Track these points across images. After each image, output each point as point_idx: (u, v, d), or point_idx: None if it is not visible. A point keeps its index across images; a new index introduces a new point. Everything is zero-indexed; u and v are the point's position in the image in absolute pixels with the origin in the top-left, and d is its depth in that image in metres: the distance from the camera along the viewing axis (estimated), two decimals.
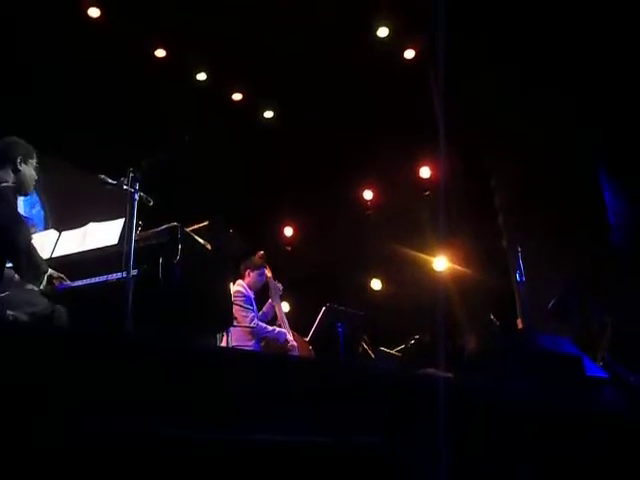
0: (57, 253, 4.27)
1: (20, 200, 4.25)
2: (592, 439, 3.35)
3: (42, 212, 6.99)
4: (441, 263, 8.15)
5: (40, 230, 5.06)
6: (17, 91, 6.56)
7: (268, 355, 5.15)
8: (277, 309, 6.23)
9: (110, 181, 4.04)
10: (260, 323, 5.87)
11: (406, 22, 7.71)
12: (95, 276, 4.00)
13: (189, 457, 1.96)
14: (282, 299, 6.57)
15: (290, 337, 5.97)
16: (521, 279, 6.05)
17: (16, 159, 3.70)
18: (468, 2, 7.08)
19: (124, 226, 4.05)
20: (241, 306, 5.77)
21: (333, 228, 9.05)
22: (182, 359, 2.18)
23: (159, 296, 3.85)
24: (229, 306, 4.77)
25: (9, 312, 3.30)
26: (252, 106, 8.69)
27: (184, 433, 1.96)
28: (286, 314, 6.43)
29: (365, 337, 6.64)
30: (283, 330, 5.94)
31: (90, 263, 4.08)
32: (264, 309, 6.23)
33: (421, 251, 8.31)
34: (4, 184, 3.55)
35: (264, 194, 8.73)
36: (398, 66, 8.06)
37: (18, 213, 3.69)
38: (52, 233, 4.47)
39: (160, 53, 7.73)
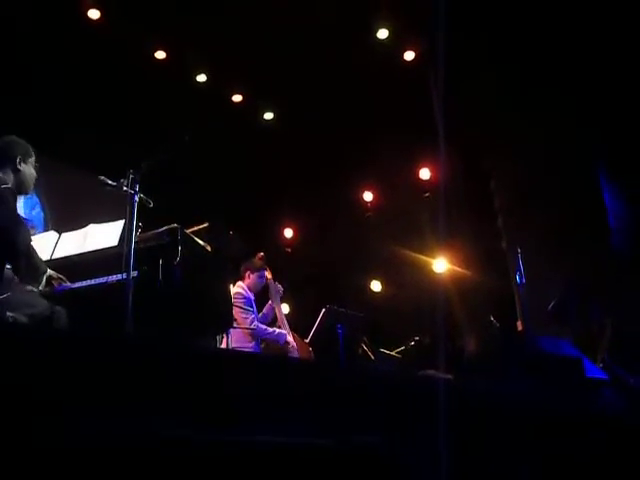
0: (57, 254, 4.26)
1: (20, 202, 4.25)
2: (592, 441, 3.35)
3: (42, 214, 6.99)
4: (441, 265, 8.15)
5: (40, 231, 5.06)
6: (17, 92, 6.56)
7: (268, 357, 5.15)
8: (277, 311, 6.22)
9: (110, 182, 4.04)
10: (260, 325, 5.87)
11: (406, 23, 7.72)
12: (95, 277, 3.99)
13: (189, 458, 1.96)
14: (282, 301, 6.57)
15: (290, 338, 5.97)
16: (521, 281, 6.05)
17: (16, 159, 3.70)
18: (468, 2, 7.09)
19: (124, 227, 4.05)
20: (241, 308, 5.77)
21: (333, 229, 9.05)
22: (182, 360, 2.18)
23: (159, 298, 3.85)
24: (229, 308, 4.77)
25: (9, 314, 3.30)
26: (252, 107, 8.70)
27: (184, 434, 1.96)
28: (286, 315, 6.43)
29: (365, 339, 6.64)
30: (283, 331, 5.94)
31: (90, 264, 4.08)
32: (264, 311, 6.22)
33: (421, 253, 8.31)
34: (4, 186, 3.54)
35: (264, 196, 8.73)
36: (398, 67, 8.06)
37: (18, 215, 3.69)
38: (52, 234, 4.46)
39: (160, 55, 7.74)
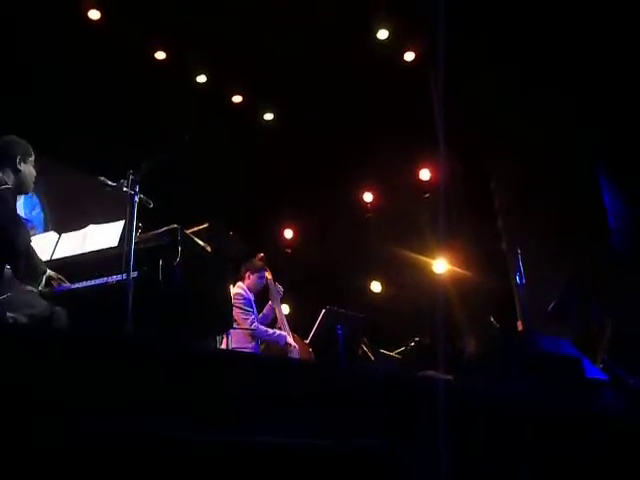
0: (57, 255, 4.26)
1: (20, 202, 4.25)
2: (592, 441, 3.35)
3: (42, 214, 6.99)
4: (441, 265, 8.15)
5: (40, 232, 5.07)
6: (18, 92, 6.56)
7: (268, 357, 5.15)
8: (277, 311, 6.22)
9: (110, 183, 4.04)
10: (260, 326, 5.87)
11: (406, 24, 7.72)
12: (95, 278, 3.99)
13: (189, 458, 1.96)
14: (282, 301, 6.57)
15: (290, 340, 5.97)
16: (521, 281, 6.05)
17: (16, 158, 3.69)
18: (468, 3, 7.09)
19: (124, 228, 4.05)
20: (241, 308, 5.77)
21: (333, 230, 9.06)
22: (182, 361, 2.18)
23: (159, 298, 3.85)
24: (229, 308, 4.76)
25: (9, 314, 3.30)
26: (252, 108, 8.70)
27: (184, 434, 1.96)
28: (286, 316, 6.43)
29: (365, 339, 6.64)
30: (283, 333, 5.93)
31: (90, 265, 4.07)
32: (264, 311, 6.22)
33: (421, 253, 8.31)
34: (4, 186, 3.54)
35: (264, 196, 8.73)
36: (398, 68, 8.06)
37: (17, 215, 3.68)
38: (52, 235, 4.46)
39: (160, 55, 7.74)
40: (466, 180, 8.22)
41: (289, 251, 9.49)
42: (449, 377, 4.48)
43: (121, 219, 4.14)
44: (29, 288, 3.66)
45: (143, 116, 7.51)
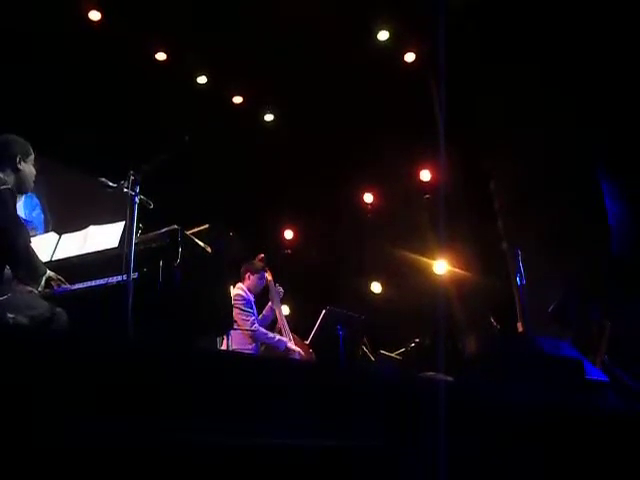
0: (57, 256, 4.27)
1: (20, 203, 4.25)
2: (592, 442, 3.35)
3: (42, 215, 6.97)
4: (441, 266, 8.15)
5: (40, 233, 5.06)
6: (18, 93, 6.56)
7: (268, 358, 5.15)
8: (277, 312, 6.23)
9: (110, 184, 4.04)
10: (261, 328, 5.86)
11: (406, 25, 7.73)
12: (95, 279, 4.00)
13: (188, 459, 1.96)
14: (282, 302, 6.57)
15: (291, 345, 5.95)
16: (521, 282, 6.04)
17: (16, 158, 3.68)
18: (468, 3, 7.10)
19: (124, 229, 4.05)
20: (241, 309, 5.78)
21: (333, 231, 9.06)
22: (182, 362, 2.18)
23: (159, 299, 3.85)
24: (229, 309, 4.77)
25: (9, 315, 3.30)
26: (252, 109, 8.71)
27: (184, 435, 1.96)
28: (286, 317, 6.43)
29: (365, 340, 6.64)
30: (284, 339, 5.91)
31: (90, 266, 4.08)
32: (264, 312, 6.22)
33: (421, 254, 8.31)
34: (4, 187, 3.53)
35: (264, 197, 8.73)
36: (398, 69, 8.07)
37: (17, 216, 3.68)
38: (52, 236, 4.47)
39: (161, 56, 7.75)
40: (466, 181, 8.22)
41: (289, 252, 9.49)
42: (449, 378, 4.48)
43: (121, 220, 4.14)
44: (29, 289, 3.66)
45: (144, 117, 7.51)
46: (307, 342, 6.24)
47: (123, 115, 7.50)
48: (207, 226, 4.83)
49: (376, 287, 9.04)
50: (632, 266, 6.69)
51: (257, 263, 6.20)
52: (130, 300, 3.58)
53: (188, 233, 4.29)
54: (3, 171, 3.63)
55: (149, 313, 3.73)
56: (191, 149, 4.37)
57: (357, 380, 2.81)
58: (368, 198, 9.30)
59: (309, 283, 8.47)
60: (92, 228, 4.36)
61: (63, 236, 4.42)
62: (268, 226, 9.20)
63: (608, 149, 7.17)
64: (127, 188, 3.96)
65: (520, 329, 6.74)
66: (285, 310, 7.10)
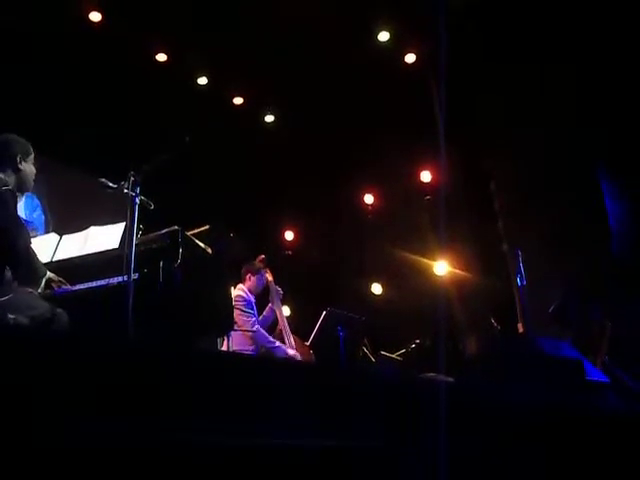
0: (58, 257, 4.27)
1: (21, 204, 4.25)
2: (593, 443, 3.35)
3: (43, 216, 6.99)
4: (441, 267, 8.15)
5: (41, 234, 5.07)
6: (19, 93, 6.57)
7: (269, 359, 5.15)
8: (278, 313, 6.22)
9: (111, 185, 4.04)
10: (262, 331, 5.85)
11: (407, 26, 7.73)
12: (96, 280, 4.00)
13: (189, 459, 1.96)
14: (283, 303, 6.57)
15: (291, 351, 5.94)
16: (521, 283, 6.04)
17: (16, 158, 3.68)
18: (468, 3, 7.10)
19: (125, 230, 4.06)
20: (242, 310, 5.77)
21: (334, 232, 9.06)
22: (182, 363, 2.18)
23: (160, 300, 3.85)
24: (230, 310, 4.77)
25: (10, 315, 3.30)
26: (253, 110, 8.71)
27: (184, 436, 1.96)
28: (287, 318, 6.43)
29: (366, 341, 6.64)
30: (283, 346, 5.89)
31: (91, 267, 4.08)
32: (265, 313, 6.22)
33: (422, 255, 8.31)
34: (4, 187, 3.54)
35: (265, 198, 8.73)
36: (399, 70, 8.07)
37: (18, 217, 3.68)
38: (53, 237, 4.47)
39: (161, 57, 7.75)
40: (466, 181, 8.22)
41: (290, 253, 9.49)
42: (450, 379, 4.48)
43: (122, 221, 4.14)
44: (30, 290, 3.67)
45: (144, 118, 7.51)
46: (307, 343, 6.23)
47: (124, 116, 7.50)
48: (208, 227, 4.83)
49: (376, 288, 9.03)
50: (632, 266, 6.69)
51: (257, 264, 6.20)
52: (130, 301, 3.58)
53: (189, 234, 4.29)
54: (4, 171, 3.63)
55: (149, 314, 3.74)
56: (192, 150, 4.37)
57: (357, 380, 2.82)
58: (368, 199, 9.30)
59: (309, 284, 8.47)
60: (93, 229, 4.37)
61: (64, 237, 4.42)
62: (269, 227, 9.20)
63: (608, 149, 7.17)
64: (127, 189, 3.96)
65: (520, 330, 6.75)
66: (286, 311, 7.10)
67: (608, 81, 6.89)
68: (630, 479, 3.36)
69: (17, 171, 3.68)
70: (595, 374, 4.96)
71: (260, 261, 6.26)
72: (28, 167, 3.76)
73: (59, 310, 3.55)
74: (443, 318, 6.87)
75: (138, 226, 3.98)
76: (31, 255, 3.68)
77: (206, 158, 7.69)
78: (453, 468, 2.66)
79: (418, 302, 7.91)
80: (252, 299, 5.99)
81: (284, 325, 6.14)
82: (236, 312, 5.49)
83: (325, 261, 8.93)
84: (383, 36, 7.79)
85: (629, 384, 5.41)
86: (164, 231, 4.14)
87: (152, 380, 2.02)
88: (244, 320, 5.76)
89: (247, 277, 6.10)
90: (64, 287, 3.88)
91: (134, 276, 3.71)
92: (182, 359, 2.19)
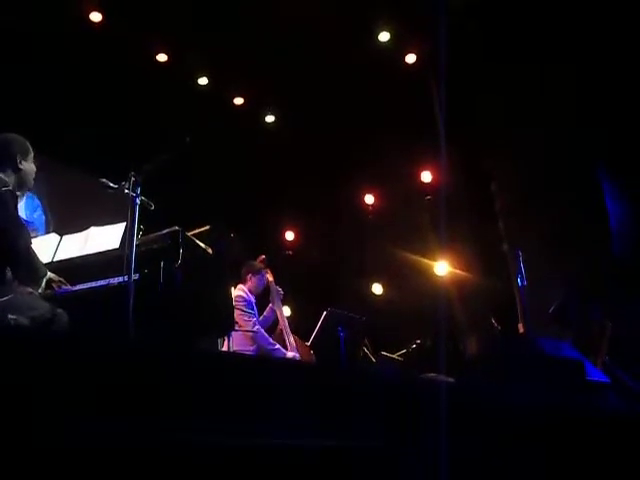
0: (58, 257, 4.27)
1: (21, 204, 4.25)
2: (593, 443, 3.34)
3: (43, 216, 6.99)
4: (442, 267, 8.15)
5: (41, 234, 5.07)
6: (19, 93, 6.57)
7: (269, 359, 5.15)
8: (278, 313, 6.22)
9: (111, 185, 4.03)
10: (263, 332, 5.85)
11: (407, 26, 7.73)
12: (96, 280, 4.00)
13: (189, 459, 1.96)
14: (283, 303, 6.57)
15: (290, 354, 5.93)
16: (522, 283, 6.04)
17: (16, 158, 3.68)
18: (468, 3, 7.11)
19: (125, 230, 4.05)
20: (243, 310, 5.77)
21: (334, 232, 9.06)
22: (183, 363, 2.18)
23: (160, 300, 3.85)
24: (230, 310, 4.76)
25: (10, 316, 3.30)
26: (254, 110, 8.72)
27: (184, 435, 1.96)
28: (287, 318, 6.43)
29: (366, 341, 6.64)
30: (282, 350, 5.89)
31: (91, 267, 4.08)
32: (265, 313, 6.22)
33: (422, 255, 8.31)
34: (4, 188, 3.53)
35: (266, 198, 8.74)
36: (399, 70, 8.07)
37: (18, 217, 3.68)
38: (53, 237, 4.47)
39: (162, 57, 7.76)
40: (467, 182, 8.22)
41: (290, 253, 9.49)
42: (450, 379, 4.48)
43: (122, 221, 4.14)
44: (30, 290, 3.66)
45: (145, 118, 7.52)
46: (308, 343, 6.23)
47: (124, 116, 7.50)
48: (208, 227, 4.83)
49: (377, 288, 9.04)
50: (633, 266, 6.69)
51: (258, 264, 6.20)
52: (131, 301, 3.58)
53: (189, 234, 4.29)
54: (4, 171, 3.63)
55: (150, 314, 3.73)
56: (192, 150, 4.37)
57: (357, 380, 2.82)
58: (369, 199, 9.30)
59: (310, 284, 8.47)
60: (93, 229, 4.37)
61: (64, 237, 4.42)
62: (269, 227, 9.21)
63: (608, 149, 7.17)
64: (128, 189, 3.96)
65: (521, 330, 6.74)
66: (286, 311, 7.10)
67: (608, 81, 6.89)
68: (631, 479, 3.36)
69: (17, 170, 3.68)
70: (596, 374, 4.96)
71: (260, 261, 6.26)
72: (28, 166, 3.75)
73: (59, 310, 3.55)
74: (444, 318, 6.88)
75: (139, 226, 3.98)
76: (31, 255, 3.68)
77: (207, 158, 7.70)
78: (453, 468, 2.66)
79: (419, 302, 7.92)
80: (253, 299, 5.99)
81: (284, 325, 6.14)
82: (237, 312, 5.49)
83: (325, 261, 8.93)
84: (383, 36, 7.80)
85: (630, 384, 5.41)
86: (165, 231, 4.14)
87: (152, 380, 2.02)
88: (245, 320, 5.76)
89: (247, 277, 6.10)
90: (65, 287, 3.88)
91: (134, 276, 3.70)
92: (182, 359, 2.19)
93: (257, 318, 5.94)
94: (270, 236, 9.20)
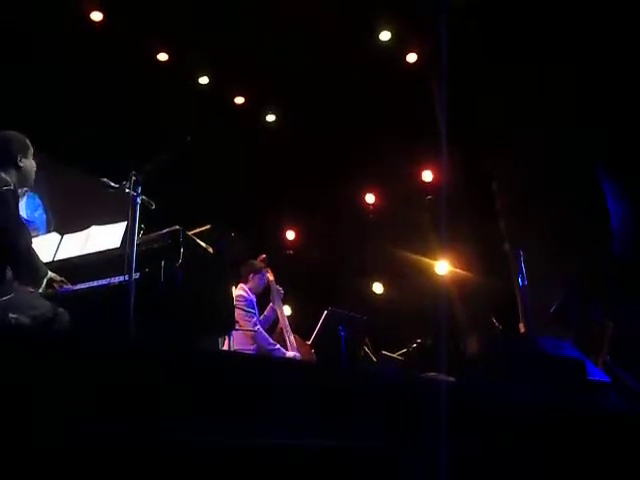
0: (59, 256, 4.27)
1: (22, 203, 4.25)
2: (594, 443, 3.34)
3: (44, 215, 7.00)
4: (443, 267, 8.15)
5: (42, 233, 5.07)
6: (20, 93, 6.57)
7: (270, 358, 5.15)
8: (279, 313, 6.22)
9: (112, 184, 4.03)
10: (263, 332, 5.85)
11: (408, 26, 7.73)
12: (97, 279, 4.00)
13: (189, 459, 1.97)
14: (284, 302, 6.57)
15: (290, 354, 5.93)
16: (523, 283, 6.04)
17: (17, 156, 3.68)
18: (469, 3, 7.10)
19: (126, 229, 4.06)
20: (243, 310, 5.77)
21: (335, 231, 9.06)
22: (183, 362, 2.18)
23: (161, 300, 3.85)
24: (231, 310, 4.76)
25: (11, 315, 3.30)
26: (254, 110, 8.72)
27: (184, 435, 1.96)
28: (288, 317, 6.43)
29: (367, 341, 6.64)
30: (282, 349, 5.89)
31: (92, 266, 4.08)
32: (265, 313, 6.22)
33: (423, 255, 8.31)
34: (5, 187, 3.54)
35: (266, 197, 8.74)
36: (400, 69, 8.07)
37: (19, 216, 3.68)
38: (54, 236, 4.47)
39: (162, 57, 7.76)
40: (468, 181, 8.22)
41: (291, 252, 9.49)
42: (451, 379, 4.48)
43: (123, 220, 4.14)
44: (31, 289, 3.67)
45: (145, 117, 7.52)
46: (309, 343, 6.24)
47: (125, 115, 7.51)
48: (209, 226, 4.83)
49: (378, 288, 9.04)
50: (633, 266, 6.69)
51: (259, 263, 6.20)
52: (132, 300, 3.58)
53: (190, 233, 4.29)
54: (5, 170, 3.62)
55: (151, 313, 3.74)
56: (193, 149, 4.37)
57: (357, 380, 2.81)
58: (370, 198, 9.30)
59: (311, 283, 8.48)
60: (94, 228, 4.37)
61: (65, 236, 4.43)
62: (270, 226, 9.21)
63: (608, 149, 7.17)
64: (129, 188, 3.96)
65: (522, 329, 6.75)
66: (287, 310, 7.10)
67: (608, 81, 6.88)
68: (632, 479, 3.36)
69: (18, 168, 3.68)
70: (597, 374, 4.96)
71: (261, 260, 6.26)
72: (28, 162, 3.75)
73: (60, 310, 3.55)
74: (444, 318, 6.88)
75: (139, 226, 3.98)
76: (32, 255, 3.68)
77: (207, 158, 7.70)
78: (454, 468, 2.66)
79: (419, 302, 7.92)
80: (253, 298, 5.99)
81: (285, 325, 6.14)
82: (237, 312, 5.49)
83: (326, 260, 8.93)
84: (384, 35, 7.80)
85: (630, 384, 5.41)
86: (165, 231, 4.14)
87: (152, 380, 2.02)
88: (245, 320, 5.76)
89: (248, 276, 6.10)
90: (65, 287, 3.88)
91: (135, 276, 3.71)
92: (181, 359, 2.19)
93: (258, 317, 5.94)
94: (271, 235, 9.21)
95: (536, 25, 7.08)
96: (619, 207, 7.12)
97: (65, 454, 1.74)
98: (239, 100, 8.57)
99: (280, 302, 6.30)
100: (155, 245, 4.07)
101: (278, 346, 5.87)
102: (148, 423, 1.94)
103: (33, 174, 3.82)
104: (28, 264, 3.61)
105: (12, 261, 3.52)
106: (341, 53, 7.54)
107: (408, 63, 8.11)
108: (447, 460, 2.63)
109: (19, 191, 3.69)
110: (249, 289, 6.01)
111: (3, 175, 3.59)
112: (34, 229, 4.80)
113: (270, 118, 8.88)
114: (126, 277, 3.70)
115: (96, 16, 7.16)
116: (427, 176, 8.78)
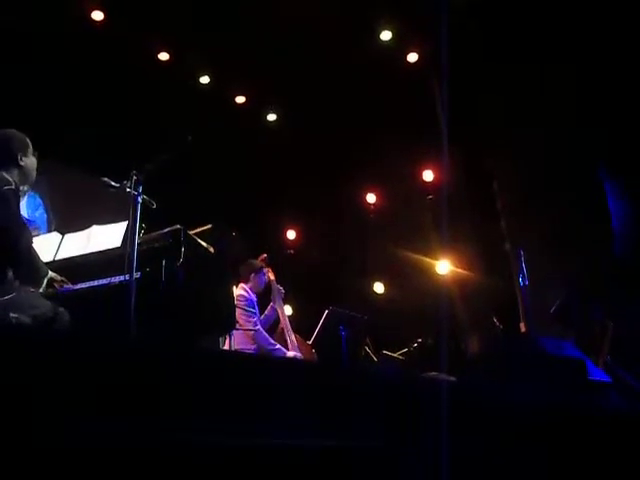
0: (60, 256, 4.28)
1: (23, 203, 4.25)
2: (595, 443, 3.34)
3: (45, 215, 7.00)
4: (444, 266, 8.15)
5: (43, 233, 5.07)
6: (20, 93, 6.57)
7: (270, 358, 5.15)
8: (280, 312, 6.23)
9: (113, 184, 4.04)
10: (263, 332, 5.85)
11: (409, 25, 7.73)
12: (98, 279, 4.00)
13: (188, 459, 1.97)
14: (285, 302, 6.57)
15: (290, 353, 5.93)
16: (524, 282, 6.04)
17: (17, 155, 3.67)
18: (470, 2, 7.10)
19: (127, 229, 4.06)
20: (244, 309, 5.77)
21: (336, 231, 9.06)
22: (184, 362, 2.18)
23: (162, 299, 3.85)
24: (232, 309, 4.76)
25: (12, 314, 3.30)
26: (255, 109, 8.72)
27: (184, 435, 1.97)
28: (289, 317, 6.43)
29: (368, 341, 6.64)
30: (283, 349, 5.89)
31: (93, 266, 4.09)
32: (266, 312, 6.22)
33: (424, 254, 8.31)
34: (6, 187, 3.53)
35: (267, 197, 8.74)
36: (401, 69, 8.07)
37: (20, 216, 3.68)
38: (55, 236, 4.48)
39: (163, 56, 7.76)
40: (469, 181, 8.22)
41: (292, 252, 9.49)
42: (452, 378, 4.48)
43: (124, 220, 4.15)
44: (32, 289, 3.67)
45: (146, 117, 7.52)
46: (309, 342, 6.24)
47: (126, 115, 7.51)
48: (210, 226, 4.83)
49: (379, 287, 9.04)
50: (633, 266, 6.68)
51: (259, 263, 6.20)
52: (133, 300, 3.58)
53: (191, 233, 4.29)
54: (6, 169, 3.62)
55: (152, 313, 3.74)
56: (194, 149, 4.37)
57: (357, 380, 2.81)
58: (371, 198, 9.30)
59: (312, 283, 8.48)
60: (95, 228, 4.37)
61: (66, 236, 4.43)
62: (270, 226, 9.21)
63: (608, 149, 7.16)
64: (130, 188, 3.96)
65: (523, 329, 6.75)
66: (288, 310, 7.10)
67: (608, 81, 6.88)
68: (632, 479, 3.36)
69: (19, 167, 3.68)
70: (597, 374, 4.95)
71: (262, 260, 6.26)
72: (29, 160, 3.75)
73: (61, 309, 3.55)
74: (445, 317, 6.88)
75: (140, 225, 3.98)
76: (33, 254, 3.68)
77: (208, 157, 7.70)
78: (455, 468, 2.65)
79: (420, 301, 7.92)
80: (254, 298, 5.99)
81: (286, 324, 6.14)
82: (238, 311, 5.49)
83: (327, 260, 8.93)
84: (385, 35, 7.79)
85: (631, 384, 5.41)
86: (166, 230, 4.14)
87: (152, 380, 2.02)
88: (246, 319, 5.76)
89: (249, 276, 6.10)
90: (66, 286, 3.88)
91: (136, 275, 3.71)
92: (182, 359, 2.19)
93: (258, 317, 5.94)
94: (271, 235, 9.20)
95: (536, 25, 7.08)
96: (620, 207, 7.11)
97: (65, 454, 1.74)
98: (240, 100, 8.57)
99: (281, 302, 6.30)
100: (156, 244, 4.07)
101: (278, 346, 5.87)
102: (148, 423, 1.94)
103: (34, 172, 3.82)
104: (29, 264, 3.61)
105: (13, 261, 3.52)
106: (341, 53, 7.54)
107: (409, 63, 8.11)
108: (448, 460, 2.63)
109: (20, 190, 3.69)
110: (250, 289, 6.01)
111: (4, 174, 3.59)
112: (35, 228, 4.80)
113: (271, 118, 8.87)
114: (127, 276, 3.71)
115: (97, 16, 7.16)
116: (428, 176, 8.77)
